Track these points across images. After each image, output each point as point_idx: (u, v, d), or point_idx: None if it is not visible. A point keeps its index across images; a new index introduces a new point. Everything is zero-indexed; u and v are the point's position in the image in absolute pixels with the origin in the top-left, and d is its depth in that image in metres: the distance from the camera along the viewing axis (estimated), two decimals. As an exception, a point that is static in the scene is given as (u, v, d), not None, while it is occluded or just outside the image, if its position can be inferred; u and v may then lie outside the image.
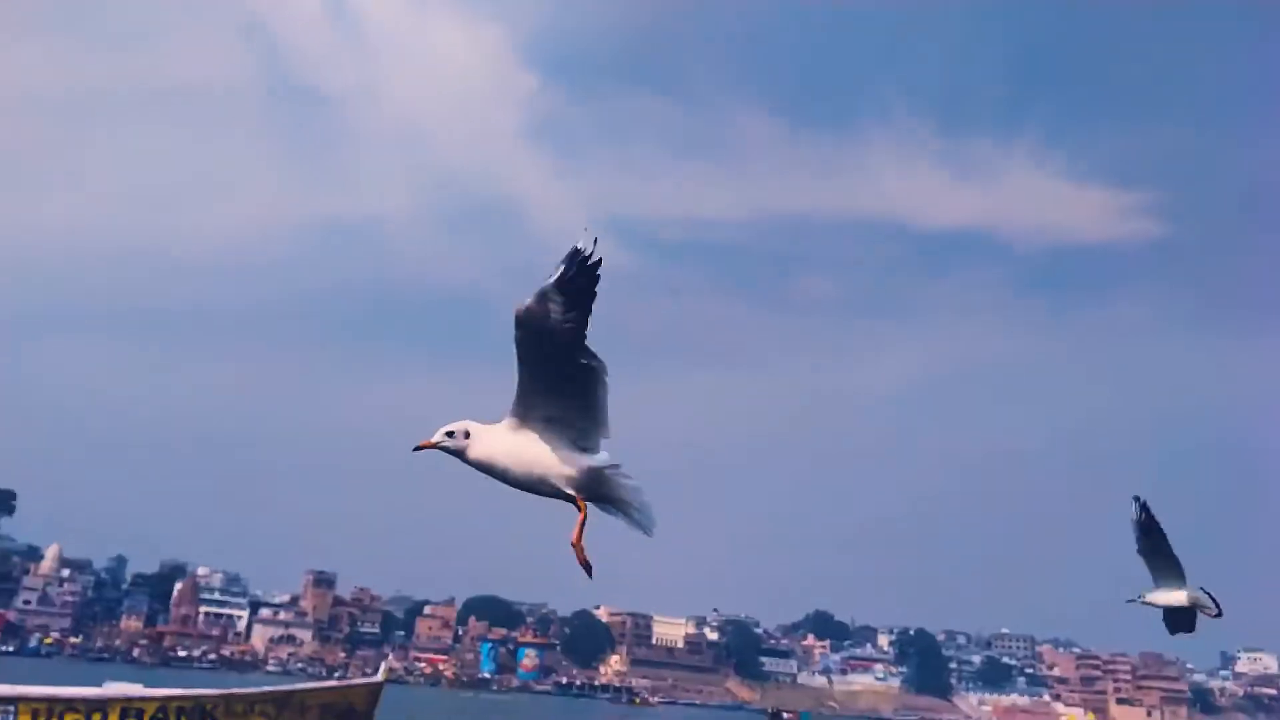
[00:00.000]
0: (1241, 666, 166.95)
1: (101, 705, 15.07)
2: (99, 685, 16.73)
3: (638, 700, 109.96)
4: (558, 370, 4.43)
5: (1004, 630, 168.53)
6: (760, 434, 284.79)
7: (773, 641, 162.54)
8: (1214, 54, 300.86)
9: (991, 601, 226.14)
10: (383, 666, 17.33)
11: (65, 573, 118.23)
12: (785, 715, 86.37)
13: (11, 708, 14.74)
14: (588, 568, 4.57)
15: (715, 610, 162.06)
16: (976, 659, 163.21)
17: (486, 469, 4.53)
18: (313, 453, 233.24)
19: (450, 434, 4.53)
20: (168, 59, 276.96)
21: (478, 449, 4.50)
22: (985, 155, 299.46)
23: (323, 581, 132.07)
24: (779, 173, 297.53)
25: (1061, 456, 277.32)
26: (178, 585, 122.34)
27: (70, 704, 15.03)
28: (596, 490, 4.61)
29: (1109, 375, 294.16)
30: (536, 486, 4.56)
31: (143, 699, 15.36)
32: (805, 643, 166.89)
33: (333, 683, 17.00)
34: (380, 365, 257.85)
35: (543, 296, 4.28)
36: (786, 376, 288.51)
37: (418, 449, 4.59)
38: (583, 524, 4.53)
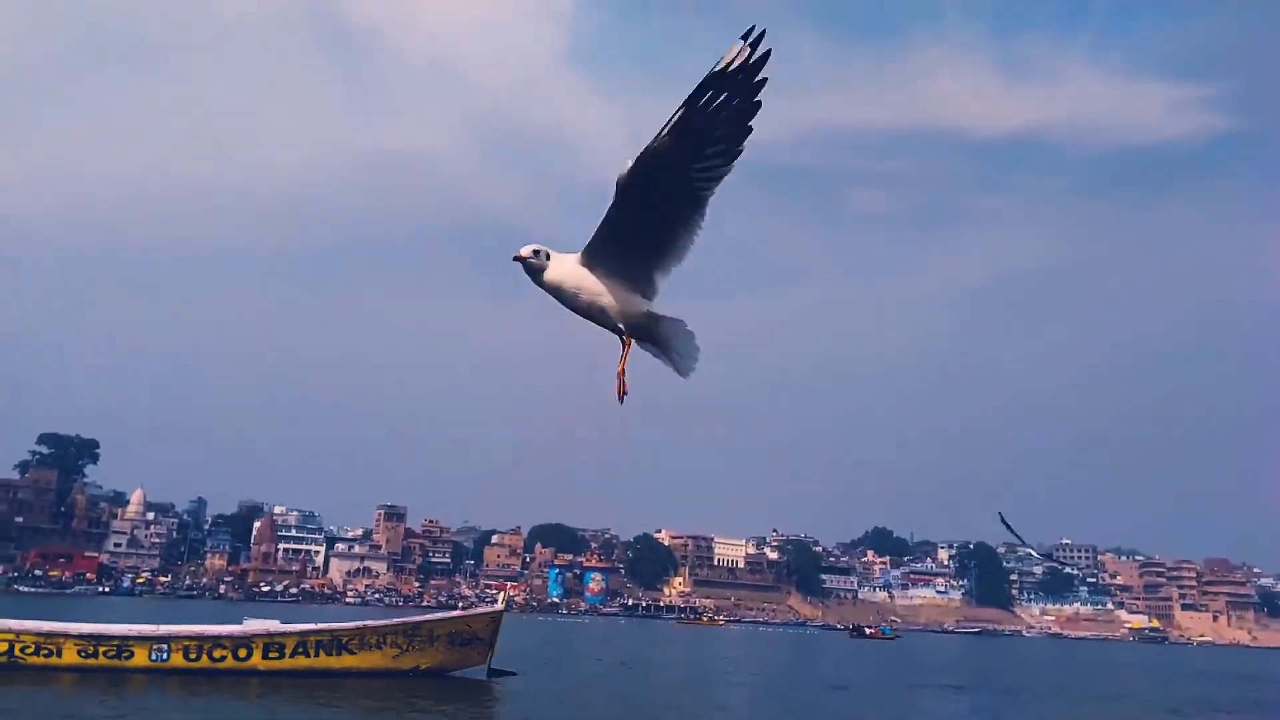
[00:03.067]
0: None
1: (246, 641, 16.22)
2: (231, 621, 17.90)
3: (705, 620, 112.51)
4: (655, 226, 4.36)
5: (1065, 540, 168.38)
6: (816, 353, 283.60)
7: (833, 559, 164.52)
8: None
9: (1052, 512, 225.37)
10: (501, 596, 18.16)
11: (150, 516, 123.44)
12: (869, 630, 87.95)
13: (165, 645, 15.95)
14: (621, 396, 4.73)
15: (775, 530, 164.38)
16: (1038, 570, 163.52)
17: (555, 292, 4.71)
18: (374, 390, 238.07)
19: (536, 252, 4.66)
20: (206, 1, 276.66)
21: (553, 272, 4.66)
22: (1041, 55, 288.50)
23: (393, 515, 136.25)
24: (829, 87, 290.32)
25: (1121, 366, 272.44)
26: (256, 524, 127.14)
27: (218, 640, 16.20)
28: (645, 332, 4.79)
29: (1172, 278, 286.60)
30: (595, 315, 4.75)
31: (283, 634, 16.48)
32: (865, 559, 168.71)
33: (457, 612, 17.91)
34: (435, 299, 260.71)
35: (682, 132, 3.92)
36: (844, 291, 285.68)
37: (515, 259, 4.71)
38: (625, 360, 4.74)
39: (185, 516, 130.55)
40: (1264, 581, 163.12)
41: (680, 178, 4.16)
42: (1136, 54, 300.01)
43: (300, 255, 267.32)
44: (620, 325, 4.76)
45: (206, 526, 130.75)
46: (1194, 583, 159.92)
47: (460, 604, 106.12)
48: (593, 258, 4.68)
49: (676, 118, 3.92)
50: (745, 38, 3.78)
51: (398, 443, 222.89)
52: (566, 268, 4.74)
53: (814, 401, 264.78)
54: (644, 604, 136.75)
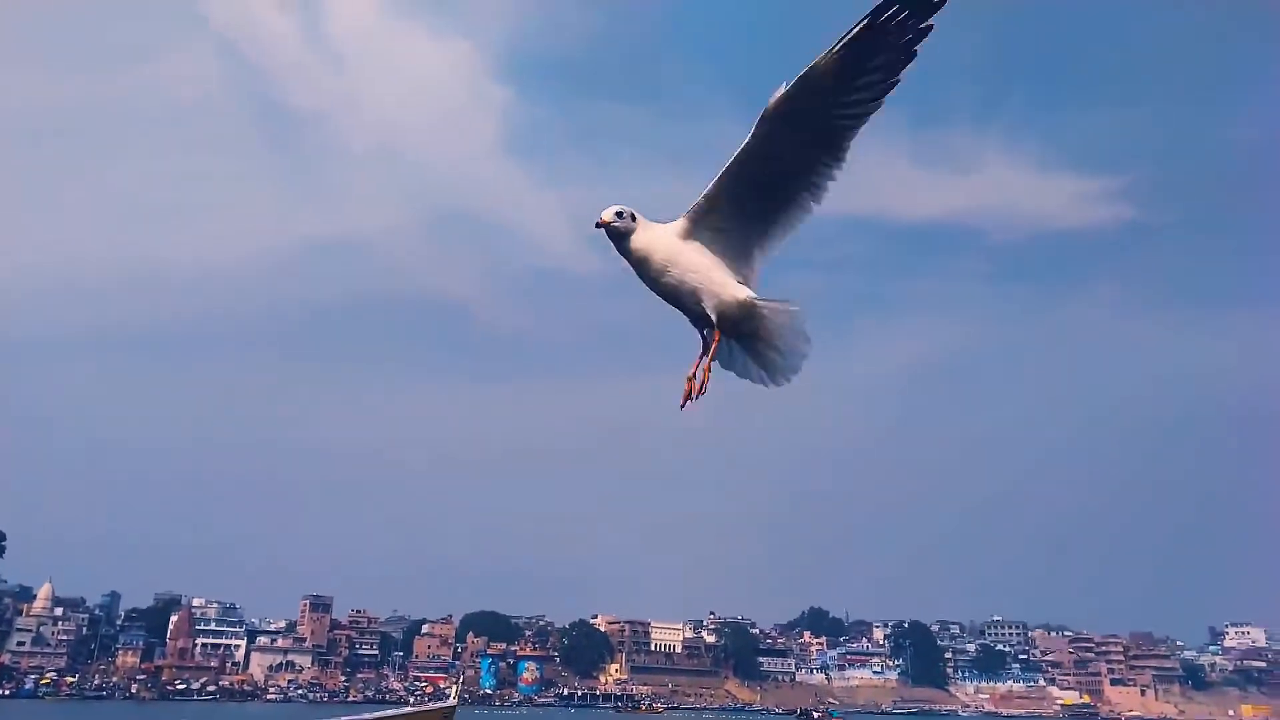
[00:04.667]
0: (1230, 641, 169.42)
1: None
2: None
3: (644, 708, 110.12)
4: (791, 158, 3.97)
5: (997, 617, 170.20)
6: (749, 435, 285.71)
7: (770, 641, 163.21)
8: (1178, 40, 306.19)
9: (984, 590, 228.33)
10: (453, 691, 17.81)
11: (58, 611, 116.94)
12: (815, 714, 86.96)
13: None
14: (689, 398, 4.17)
15: (712, 613, 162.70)
16: (971, 648, 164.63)
17: (640, 262, 4.14)
18: (301, 475, 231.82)
19: (620, 214, 4.13)
20: (149, 82, 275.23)
21: (641, 238, 4.10)
22: (961, 146, 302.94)
23: (319, 606, 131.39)
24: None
25: (1042, 442, 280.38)
26: (173, 618, 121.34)
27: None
28: (742, 324, 4.25)
29: (1087, 360, 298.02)
30: (682, 297, 4.16)
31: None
32: (802, 640, 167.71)
33: (408, 709, 17.54)
34: (366, 381, 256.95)
35: (852, 49, 3.70)
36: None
37: (599, 225, 4.16)
38: (713, 356, 4.18)
39: (97, 611, 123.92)
40: (1187, 654, 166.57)
41: (825, 113, 3.88)
42: (1048, 147, 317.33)
43: (228, 338, 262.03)
44: (712, 313, 4.18)
45: (119, 621, 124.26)
46: (1121, 657, 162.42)
47: (391, 697, 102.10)
48: (693, 225, 4.16)
49: (858, 28, 3.70)
50: None
51: (324, 530, 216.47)
52: (659, 236, 4.16)
53: (750, 481, 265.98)
54: (580, 693, 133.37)
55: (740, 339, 4.32)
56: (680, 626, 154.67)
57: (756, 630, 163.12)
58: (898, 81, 3.87)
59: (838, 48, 3.75)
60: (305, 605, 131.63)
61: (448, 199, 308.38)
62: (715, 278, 4.16)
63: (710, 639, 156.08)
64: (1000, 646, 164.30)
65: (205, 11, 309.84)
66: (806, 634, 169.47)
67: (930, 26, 3.75)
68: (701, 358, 4.24)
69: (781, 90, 3.78)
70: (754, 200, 4.11)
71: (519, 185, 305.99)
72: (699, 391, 4.22)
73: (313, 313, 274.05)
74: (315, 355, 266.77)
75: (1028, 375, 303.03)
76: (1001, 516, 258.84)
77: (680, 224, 4.22)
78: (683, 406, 4.20)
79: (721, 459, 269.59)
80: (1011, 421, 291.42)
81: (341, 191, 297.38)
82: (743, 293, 4.20)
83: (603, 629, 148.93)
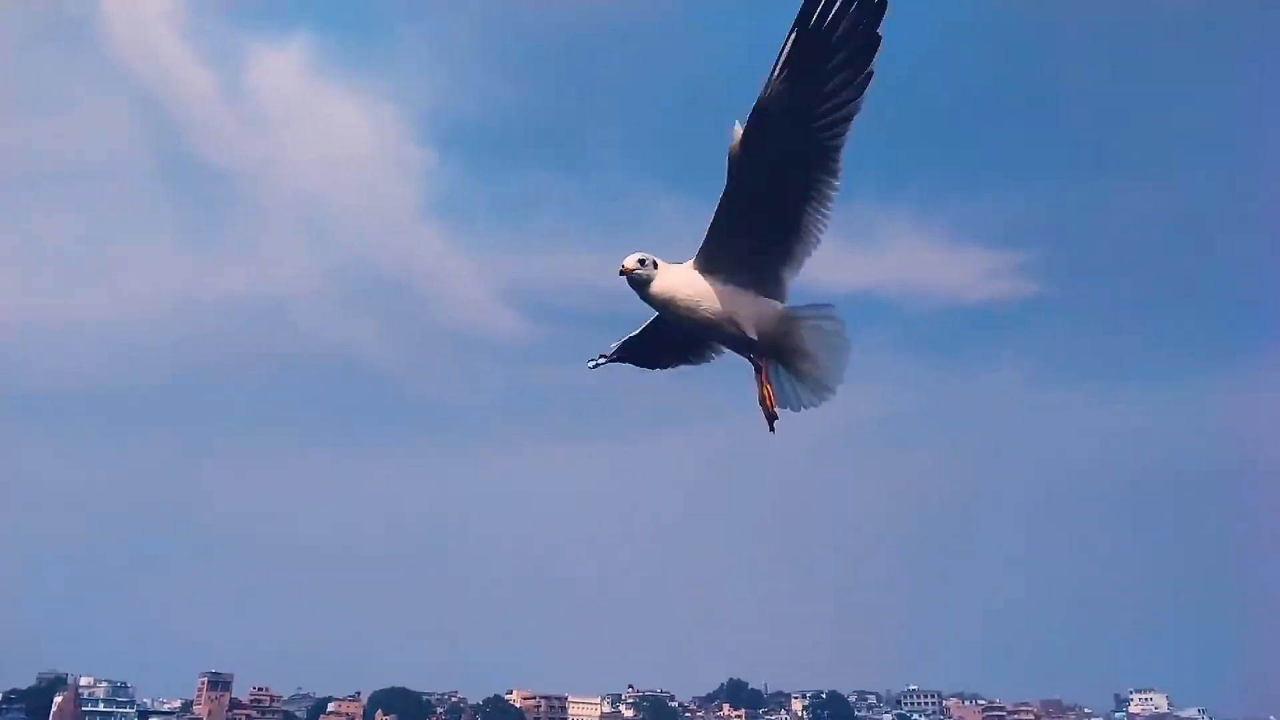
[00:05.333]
0: (1135, 707, 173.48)
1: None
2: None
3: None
4: (780, 202, 3.85)
5: (912, 686, 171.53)
6: (666, 503, 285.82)
7: (689, 714, 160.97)
8: (1081, 114, 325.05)
9: (899, 658, 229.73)
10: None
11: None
12: None
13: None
14: (772, 419, 4.21)
15: (631, 686, 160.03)
16: (888, 717, 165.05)
17: (665, 304, 4.09)
18: (198, 543, 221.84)
19: (641, 261, 4.04)
20: (62, 138, 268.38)
21: (661, 283, 4.04)
22: (873, 221, 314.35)
23: (217, 684, 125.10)
24: (674, 244, 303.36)
25: (954, 510, 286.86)
26: (57, 698, 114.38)
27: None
28: (782, 340, 4.18)
29: (995, 430, 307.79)
30: (720, 327, 4.08)
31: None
32: (721, 713, 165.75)
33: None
34: (273, 448, 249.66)
35: (797, 66, 3.36)
36: (695, 439, 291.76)
37: (623, 274, 4.04)
38: (765, 374, 4.16)
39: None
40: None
41: (803, 130, 3.60)
42: (955, 223, 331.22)
43: (126, 401, 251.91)
44: (754, 336, 4.10)
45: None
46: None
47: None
48: (709, 261, 4.07)
49: (788, 47, 3.36)
50: None
51: (224, 603, 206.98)
52: (678, 277, 4.08)
53: (665, 551, 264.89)
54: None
55: (780, 357, 4.27)
56: (598, 701, 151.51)
57: (676, 703, 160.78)
58: (871, 73, 3.51)
59: (777, 73, 3.46)
60: (203, 683, 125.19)
61: (365, 261, 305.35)
62: (743, 300, 4.10)
63: (629, 714, 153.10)
64: (916, 716, 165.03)
65: (122, 64, 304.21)
66: (726, 706, 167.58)
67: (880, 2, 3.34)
68: (760, 381, 4.25)
69: (738, 128, 3.60)
70: (760, 230, 4.01)
71: (439, 249, 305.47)
72: (772, 409, 4.22)
73: (217, 377, 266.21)
74: (218, 422, 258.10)
75: (939, 444, 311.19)
76: (916, 583, 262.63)
77: (696, 262, 4.19)
78: (771, 429, 4.20)
79: (636, 524, 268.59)
80: (924, 489, 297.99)
81: (257, 251, 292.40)
82: (775, 306, 4.18)
83: (518, 704, 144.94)
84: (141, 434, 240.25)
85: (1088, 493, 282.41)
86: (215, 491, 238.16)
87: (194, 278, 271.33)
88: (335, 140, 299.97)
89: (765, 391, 4.21)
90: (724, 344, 4.32)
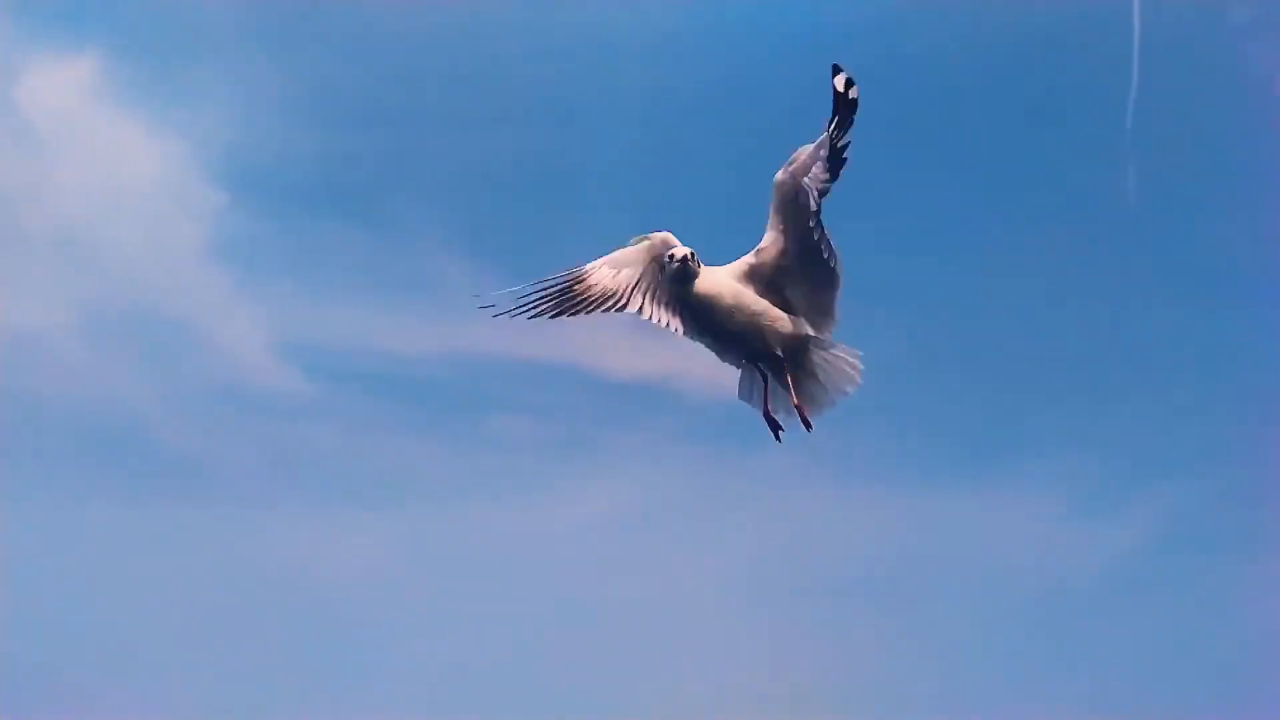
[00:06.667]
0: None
1: None
2: None
3: None
4: (797, 252, 4.10)
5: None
6: (448, 580, 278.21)
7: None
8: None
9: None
10: None
11: None
12: None
13: None
14: (807, 425, 4.30)
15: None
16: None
17: (708, 307, 4.11)
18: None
19: (694, 255, 4.09)
20: None
21: (706, 282, 4.09)
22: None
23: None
24: (469, 312, 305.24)
25: (735, 594, 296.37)
26: None
27: None
28: (800, 360, 4.36)
29: (773, 517, 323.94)
30: (751, 337, 4.22)
31: None
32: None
33: None
34: (17, 495, 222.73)
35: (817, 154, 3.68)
36: (475, 518, 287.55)
37: (677, 260, 4.06)
38: (792, 387, 4.31)
39: None
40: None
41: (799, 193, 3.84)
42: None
43: None
44: (777, 347, 4.26)
45: None
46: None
47: None
48: (751, 268, 4.21)
49: (838, 150, 3.66)
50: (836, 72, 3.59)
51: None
52: (723, 278, 4.18)
53: (449, 629, 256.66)
54: None
55: (792, 364, 4.37)
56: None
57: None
58: (833, 181, 3.74)
59: (825, 174, 3.67)
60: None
61: (136, 300, 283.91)
62: (779, 314, 4.20)
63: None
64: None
65: None
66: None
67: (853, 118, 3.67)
68: (783, 383, 4.37)
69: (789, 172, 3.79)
70: (796, 266, 4.12)
71: (220, 294, 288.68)
72: (807, 419, 4.32)
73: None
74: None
75: (710, 536, 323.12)
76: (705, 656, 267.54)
77: (738, 268, 4.18)
78: (809, 429, 4.33)
79: (418, 608, 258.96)
80: (705, 576, 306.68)
81: (12, 279, 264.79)
82: (805, 328, 4.27)
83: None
84: None
85: (877, 585, 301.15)
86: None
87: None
88: (117, 170, 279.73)
89: (791, 400, 4.29)
90: (748, 354, 4.34)
